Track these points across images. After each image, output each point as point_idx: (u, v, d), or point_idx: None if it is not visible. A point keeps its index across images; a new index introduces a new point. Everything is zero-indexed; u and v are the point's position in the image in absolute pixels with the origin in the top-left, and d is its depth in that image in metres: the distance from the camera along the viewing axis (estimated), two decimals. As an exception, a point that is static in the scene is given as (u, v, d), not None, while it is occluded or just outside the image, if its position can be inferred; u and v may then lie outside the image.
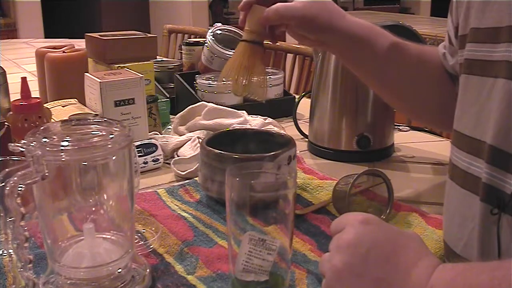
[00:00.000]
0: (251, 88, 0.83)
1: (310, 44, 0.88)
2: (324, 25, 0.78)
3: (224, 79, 0.85)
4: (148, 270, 0.66)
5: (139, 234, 0.75)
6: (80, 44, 1.45)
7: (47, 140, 0.57)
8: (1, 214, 0.58)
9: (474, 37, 0.64)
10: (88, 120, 0.64)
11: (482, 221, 0.59)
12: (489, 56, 0.60)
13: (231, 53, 1.34)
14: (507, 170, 0.56)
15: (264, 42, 0.84)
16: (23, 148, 0.56)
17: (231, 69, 0.83)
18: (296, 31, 0.81)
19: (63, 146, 0.57)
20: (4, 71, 1.11)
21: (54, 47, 1.36)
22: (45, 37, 3.81)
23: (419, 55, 0.87)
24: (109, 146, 0.59)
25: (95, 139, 0.60)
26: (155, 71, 1.32)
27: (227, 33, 1.43)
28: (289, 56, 2.08)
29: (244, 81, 0.83)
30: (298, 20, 0.78)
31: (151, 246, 0.72)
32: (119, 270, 0.63)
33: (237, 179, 0.60)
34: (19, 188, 0.54)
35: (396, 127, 1.21)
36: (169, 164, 1.02)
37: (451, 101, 0.82)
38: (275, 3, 0.78)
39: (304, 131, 1.18)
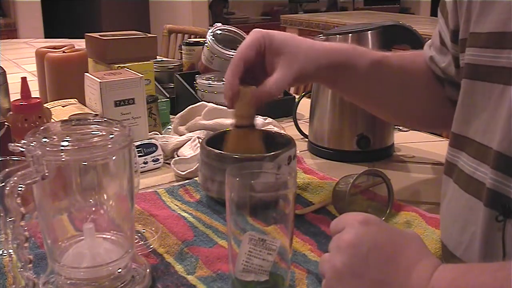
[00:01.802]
0: None
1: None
2: (310, 73, 0.80)
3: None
4: (148, 270, 0.66)
5: (139, 234, 0.75)
6: (80, 44, 1.45)
7: (47, 140, 0.57)
8: (1, 214, 0.58)
9: (475, 42, 0.63)
10: (88, 120, 0.64)
11: (486, 226, 0.59)
12: (495, 62, 0.60)
13: (231, 53, 1.34)
14: None
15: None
16: (23, 148, 0.56)
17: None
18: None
19: (63, 146, 0.57)
20: (4, 71, 1.11)
21: (54, 47, 1.36)
22: (45, 37, 3.82)
23: (401, 66, 0.86)
24: (109, 146, 0.59)
25: (95, 139, 0.60)
26: (155, 71, 1.32)
27: (227, 33, 1.43)
28: (289, 56, 2.08)
29: None
30: (289, 86, 0.79)
31: (151, 246, 0.72)
32: (119, 270, 0.63)
33: (237, 179, 0.60)
34: (19, 188, 0.54)
35: (396, 127, 1.21)
36: (169, 164, 1.02)
37: (442, 103, 0.83)
38: (257, 77, 0.78)
39: (304, 131, 1.18)
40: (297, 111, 1.20)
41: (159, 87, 1.36)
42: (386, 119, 1.00)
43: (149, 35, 1.31)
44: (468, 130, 0.65)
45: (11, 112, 0.94)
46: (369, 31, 1.04)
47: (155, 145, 1.03)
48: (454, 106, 0.68)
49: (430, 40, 0.85)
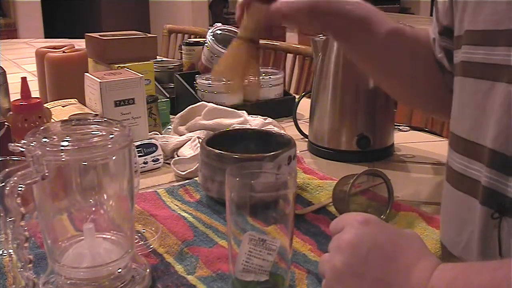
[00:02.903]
0: (246, 88, 0.82)
1: (309, 30, 0.88)
2: (325, 10, 0.77)
3: (219, 77, 0.83)
4: (148, 270, 0.66)
5: (139, 234, 0.75)
6: (80, 44, 1.45)
7: (47, 140, 0.57)
8: (1, 214, 0.58)
9: (469, 39, 0.64)
10: (88, 120, 0.64)
11: (483, 224, 0.59)
12: (487, 59, 0.60)
13: (231, 53, 1.34)
14: (507, 173, 0.56)
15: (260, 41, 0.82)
16: (23, 148, 0.56)
17: (226, 67, 0.81)
18: (299, 22, 0.81)
19: (63, 146, 0.57)
20: (4, 71, 1.11)
21: (54, 47, 1.36)
22: (45, 37, 3.82)
23: (415, 38, 0.86)
24: (109, 146, 0.59)
25: (95, 139, 0.60)
26: (155, 71, 1.32)
27: (227, 33, 1.43)
28: (289, 56, 2.08)
29: (239, 81, 0.81)
30: (301, 14, 0.78)
31: (151, 246, 0.72)
32: (119, 270, 0.63)
33: (237, 179, 0.60)
34: (19, 188, 0.54)
35: (396, 127, 1.21)
36: (169, 164, 1.02)
37: (441, 88, 0.83)
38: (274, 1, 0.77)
39: (304, 131, 1.18)
40: (297, 111, 1.20)
41: (159, 87, 1.36)
42: (391, 93, 0.98)
43: (149, 35, 1.31)
44: (456, 127, 0.65)
45: (11, 112, 0.94)
46: (369, 31, 1.03)
47: (155, 145, 1.03)
48: (451, 94, 0.68)
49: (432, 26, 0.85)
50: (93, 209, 0.64)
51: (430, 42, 0.85)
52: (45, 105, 1.03)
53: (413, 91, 0.91)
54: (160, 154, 1.03)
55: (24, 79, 0.95)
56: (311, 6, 0.76)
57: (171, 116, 1.26)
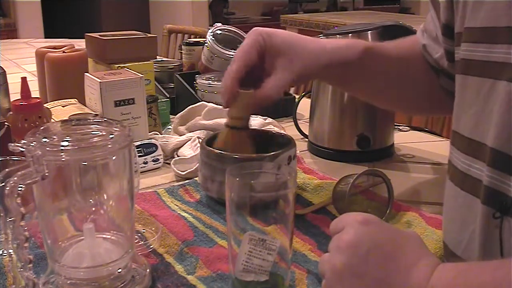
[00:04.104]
0: None
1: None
2: (309, 74, 0.80)
3: None
4: (148, 270, 0.66)
5: (139, 234, 0.75)
6: (80, 44, 1.45)
7: (47, 140, 0.57)
8: (1, 214, 0.58)
9: (469, 37, 0.63)
10: (88, 120, 0.64)
11: (484, 224, 0.59)
12: (487, 57, 0.60)
13: (231, 53, 1.34)
14: (509, 173, 0.56)
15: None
16: (23, 148, 0.56)
17: None
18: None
19: (63, 146, 0.57)
20: (4, 71, 1.11)
21: (54, 47, 1.36)
22: (45, 37, 3.82)
23: (397, 53, 0.86)
24: (109, 146, 0.59)
25: (95, 139, 0.60)
26: (155, 71, 1.32)
27: (227, 33, 1.43)
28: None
29: None
30: (289, 88, 0.81)
31: (151, 246, 0.72)
32: (119, 270, 0.63)
33: (237, 179, 0.60)
34: (19, 188, 0.54)
35: (396, 127, 1.21)
36: (169, 164, 1.02)
37: (437, 91, 0.83)
38: (257, 76, 0.78)
39: (304, 131, 1.18)
40: (297, 111, 1.20)
41: (159, 87, 1.36)
42: (387, 107, 1.00)
43: (149, 35, 1.31)
44: (458, 126, 0.65)
45: (11, 112, 0.94)
46: (369, 31, 1.04)
47: (155, 145, 1.03)
48: (449, 95, 0.68)
49: (422, 25, 0.85)
50: (93, 209, 0.64)
51: (418, 49, 0.85)
52: (45, 105, 1.03)
53: (408, 100, 0.92)
54: (160, 154, 1.03)
55: (24, 79, 0.95)
56: (297, 77, 0.78)
57: (171, 116, 1.26)
